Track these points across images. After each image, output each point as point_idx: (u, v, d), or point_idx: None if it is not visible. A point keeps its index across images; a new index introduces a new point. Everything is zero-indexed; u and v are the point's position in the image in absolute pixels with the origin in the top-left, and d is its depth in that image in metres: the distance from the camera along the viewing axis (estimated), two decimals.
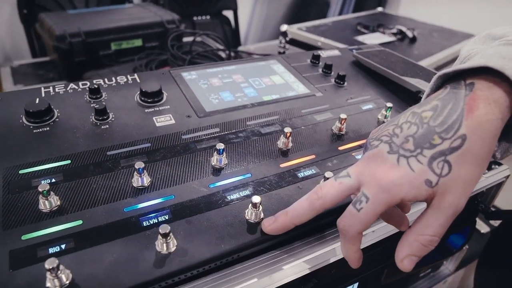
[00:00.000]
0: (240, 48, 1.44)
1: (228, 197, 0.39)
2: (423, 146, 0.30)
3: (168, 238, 0.32)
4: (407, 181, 0.30)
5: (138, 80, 0.54)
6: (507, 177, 0.57)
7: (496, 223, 0.87)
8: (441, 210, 0.30)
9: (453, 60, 1.25)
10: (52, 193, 0.35)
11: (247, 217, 0.37)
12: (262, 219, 0.37)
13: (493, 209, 0.59)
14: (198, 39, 1.31)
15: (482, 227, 0.85)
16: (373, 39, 1.23)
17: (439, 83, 0.35)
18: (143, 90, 0.50)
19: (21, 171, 0.38)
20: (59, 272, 0.29)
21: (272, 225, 0.36)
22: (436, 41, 1.30)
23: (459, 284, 0.83)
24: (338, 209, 0.39)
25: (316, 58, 0.66)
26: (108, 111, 0.47)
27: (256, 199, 0.35)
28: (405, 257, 0.31)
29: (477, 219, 0.88)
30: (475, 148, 0.29)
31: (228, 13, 1.91)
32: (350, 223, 0.32)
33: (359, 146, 0.49)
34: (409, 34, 1.28)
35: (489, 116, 0.29)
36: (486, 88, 0.30)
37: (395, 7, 2.16)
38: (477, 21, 1.70)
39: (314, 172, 0.44)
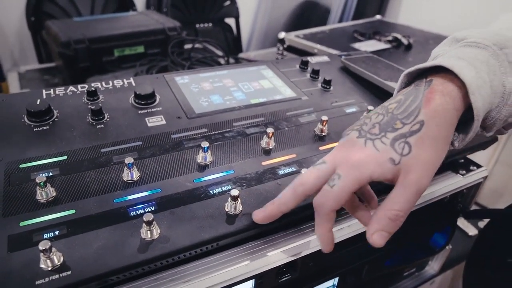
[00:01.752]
0: (241, 55, 1.48)
1: (211, 191, 0.42)
2: (387, 130, 0.34)
3: (152, 226, 0.35)
4: (373, 159, 0.34)
5: (134, 84, 0.58)
6: (485, 178, 0.60)
7: (483, 224, 0.89)
8: (405, 187, 0.33)
9: None
10: (48, 185, 0.38)
11: (226, 210, 0.40)
12: (241, 211, 0.40)
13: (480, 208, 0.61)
14: (200, 46, 1.35)
15: (470, 229, 0.87)
16: (368, 47, 1.26)
17: (405, 80, 0.40)
18: (137, 93, 0.53)
19: (21, 165, 0.42)
20: (51, 254, 0.32)
21: (261, 214, 0.39)
22: (431, 48, 1.31)
23: (448, 286, 0.85)
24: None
25: (305, 63, 0.69)
26: (104, 112, 0.51)
27: (234, 192, 0.38)
28: (375, 231, 0.34)
29: (467, 222, 0.90)
30: (432, 133, 0.33)
31: (230, 21, 1.96)
32: (324, 199, 0.35)
33: None
34: (404, 41, 1.31)
35: (444, 106, 0.34)
36: (441, 84, 0.35)
37: (394, 15, 2.19)
38: (476, 27, 1.73)
39: (294, 170, 0.46)
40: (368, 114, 0.38)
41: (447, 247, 0.67)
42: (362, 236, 0.47)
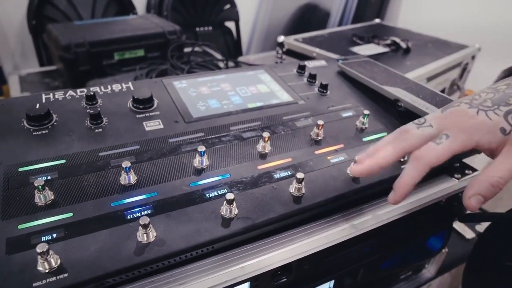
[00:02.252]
0: (240, 59, 1.49)
1: (207, 195, 0.42)
2: (500, 104, 0.36)
3: (148, 229, 0.36)
4: (485, 127, 0.36)
5: (132, 88, 0.59)
6: None
7: (481, 228, 0.89)
8: (511, 156, 0.34)
9: (445, 70, 1.28)
10: (46, 188, 0.39)
11: (222, 213, 0.40)
12: (236, 215, 0.40)
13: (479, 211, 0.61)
14: (199, 49, 1.36)
15: (467, 233, 0.88)
16: (367, 50, 1.26)
17: (502, 76, 0.43)
18: (135, 97, 0.54)
19: (20, 169, 0.43)
20: (48, 256, 0.32)
21: (359, 167, 0.39)
22: (430, 51, 1.33)
23: None
24: (313, 208, 0.43)
25: (302, 68, 0.70)
26: (102, 116, 0.51)
27: (229, 196, 0.39)
28: (473, 195, 0.35)
29: (464, 225, 0.91)
30: None
31: (230, 24, 1.97)
32: (426, 153, 0.36)
33: (335, 151, 0.52)
34: (403, 45, 1.32)
35: None
36: None
37: (394, 18, 2.20)
38: (475, 30, 1.74)
39: (289, 173, 0.47)
40: (473, 94, 0.39)
41: (443, 250, 0.68)
42: (358, 239, 0.47)
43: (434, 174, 0.55)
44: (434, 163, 0.36)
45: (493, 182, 0.34)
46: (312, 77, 0.67)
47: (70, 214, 0.38)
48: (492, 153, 0.36)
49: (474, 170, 0.61)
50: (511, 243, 0.59)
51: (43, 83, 1.22)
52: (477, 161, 0.65)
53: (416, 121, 0.40)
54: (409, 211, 0.51)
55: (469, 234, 0.86)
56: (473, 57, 1.43)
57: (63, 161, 0.44)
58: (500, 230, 0.62)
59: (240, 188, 0.44)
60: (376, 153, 0.39)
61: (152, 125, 0.52)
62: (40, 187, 0.38)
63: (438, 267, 0.72)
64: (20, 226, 0.36)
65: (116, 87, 0.58)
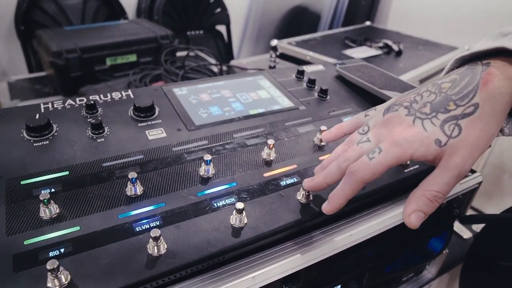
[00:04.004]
0: (233, 62, 1.49)
1: (215, 204, 0.42)
2: (439, 111, 0.34)
3: (159, 241, 0.35)
4: (418, 139, 0.34)
5: (132, 96, 0.58)
6: (480, 183, 0.61)
7: (478, 228, 0.90)
8: (447, 169, 0.33)
9: (437, 72, 1.30)
10: (52, 201, 0.38)
11: (232, 222, 0.40)
12: (246, 224, 0.40)
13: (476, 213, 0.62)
14: (192, 54, 1.36)
15: (464, 233, 0.89)
16: (360, 53, 1.28)
17: (454, 66, 0.39)
18: (136, 105, 0.53)
19: (22, 182, 0.41)
20: (59, 273, 0.32)
21: (309, 183, 0.41)
22: (421, 53, 1.35)
23: None
24: (318, 214, 0.42)
25: (301, 73, 0.70)
26: (104, 125, 0.50)
27: (239, 205, 0.39)
28: (412, 212, 0.34)
29: (461, 226, 0.92)
30: (485, 117, 0.33)
31: (221, 28, 1.97)
32: (359, 168, 0.35)
33: None
34: (395, 47, 1.33)
35: (502, 90, 0.33)
36: (501, 66, 0.34)
37: (383, 20, 2.23)
38: (463, 33, 1.77)
39: (295, 180, 0.47)
40: (419, 90, 0.38)
41: (444, 251, 0.68)
42: (364, 244, 0.47)
43: None
44: (368, 180, 0.35)
45: (430, 197, 0.33)
46: (312, 82, 0.67)
47: (77, 228, 0.37)
48: (431, 164, 0.35)
49: (473, 172, 0.62)
50: (506, 243, 0.60)
51: (33, 90, 1.19)
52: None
53: (360, 129, 0.40)
54: None
55: (466, 234, 0.87)
56: None
57: (67, 172, 0.43)
58: (496, 231, 0.63)
59: (248, 196, 0.44)
60: (324, 171, 0.40)
61: (155, 134, 0.51)
62: (45, 200, 0.37)
63: (439, 268, 0.72)
64: (26, 242, 0.36)
65: (116, 95, 0.57)
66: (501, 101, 0.33)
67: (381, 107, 0.42)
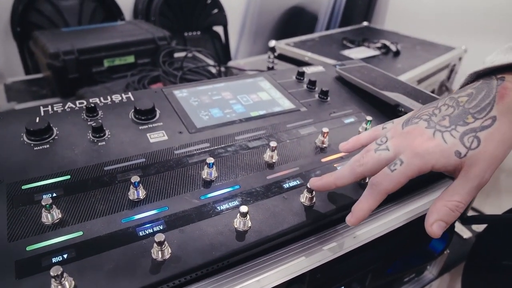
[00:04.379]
0: (231, 63, 1.48)
1: (218, 207, 0.42)
2: (458, 123, 0.35)
3: (163, 246, 0.35)
4: (439, 150, 0.35)
5: (132, 99, 0.58)
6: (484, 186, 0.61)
7: (477, 228, 0.90)
8: (467, 179, 0.34)
9: (435, 72, 1.30)
10: (54, 206, 0.38)
11: (236, 226, 0.40)
12: (250, 227, 0.40)
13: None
14: (190, 55, 1.35)
15: (464, 232, 0.89)
16: (358, 53, 1.28)
17: (469, 80, 0.41)
18: (137, 108, 0.53)
19: (23, 187, 0.41)
20: (63, 279, 0.31)
21: (318, 182, 0.41)
22: (419, 54, 1.35)
23: None
24: (326, 216, 0.42)
25: (301, 74, 0.70)
26: (105, 128, 0.50)
27: (244, 209, 0.38)
28: (435, 221, 0.35)
29: (461, 225, 0.92)
30: (503, 129, 0.34)
31: (218, 29, 1.96)
32: (382, 180, 0.36)
33: (341, 158, 0.52)
34: (393, 48, 1.33)
35: None
36: None
37: (381, 21, 2.23)
38: (460, 33, 1.77)
39: (298, 183, 0.47)
40: (437, 103, 0.39)
41: (445, 252, 0.68)
42: (367, 246, 0.47)
43: (436, 178, 0.55)
44: (390, 190, 0.36)
45: (451, 207, 0.35)
46: (312, 84, 0.67)
47: (80, 233, 0.37)
48: (451, 175, 0.36)
49: None
50: (508, 243, 0.61)
51: (30, 92, 1.18)
52: None
53: (378, 140, 0.40)
54: (415, 216, 0.51)
55: (466, 233, 0.88)
56: (460, 59, 1.46)
57: (68, 177, 0.43)
58: (498, 230, 0.64)
59: (251, 199, 0.43)
60: (336, 172, 0.41)
61: (156, 137, 0.51)
62: (47, 205, 0.37)
63: (440, 268, 0.72)
64: (28, 248, 0.35)
65: (116, 97, 0.57)
66: None
67: (398, 120, 0.42)
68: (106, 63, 1.16)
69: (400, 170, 0.36)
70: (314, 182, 0.42)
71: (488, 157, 0.34)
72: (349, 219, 0.39)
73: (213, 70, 1.19)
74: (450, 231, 0.65)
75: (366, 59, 1.23)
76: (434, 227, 0.35)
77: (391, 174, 0.36)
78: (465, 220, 0.61)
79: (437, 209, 0.35)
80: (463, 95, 0.38)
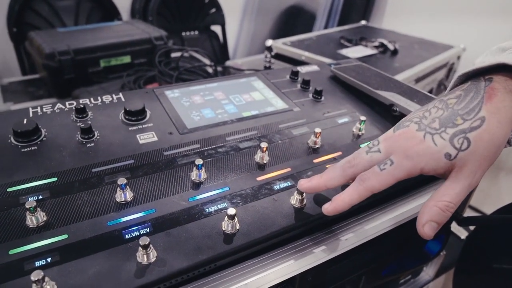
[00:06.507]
0: (228, 63, 1.48)
1: (206, 210, 0.41)
2: (447, 125, 0.35)
3: (148, 249, 0.34)
4: (429, 153, 0.35)
5: (123, 99, 0.57)
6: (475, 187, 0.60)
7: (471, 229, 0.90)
8: (458, 180, 0.34)
9: (433, 71, 1.29)
10: (38, 209, 0.37)
11: (223, 229, 0.39)
12: (238, 230, 0.39)
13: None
14: (186, 55, 1.35)
15: (462, 233, 0.88)
16: (355, 53, 1.27)
17: (458, 82, 0.41)
18: (127, 109, 0.52)
19: (9, 189, 0.40)
20: (44, 283, 0.31)
21: (307, 184, 0.41)
22: (416, 53, 1.34)
23: None
24: (312, 222, 0.42)
25: (295, 74, 0.69)
26: (94, 129, 0.49)
27: (231, 211, 0.38)
28: (426, 222, 0.35)
29: (458, 226, 0.91)
30: (492, 129, 0.34)
31: (216, 28, 1.95)
32: (370, 176, 0.37)
33: (334, 159, 0.51)
34: (390, 46, 1.33)
35: (506, 103, 0.35)
36: (503, 81, 0.36)
37: (379, 20, 2.22)
38: (457, 31, 1.76)
39: (289, 184, 0.46)
40: (427, 106, 0.39)
41: (441, 253, 0.68)
42: (360, 248, 0.47)
43: (432, 179, 0.55)
44: (377, 189, 0.37)
45: (442, 207, 0.35)
46: (306, 83, 0.66)
47: (65, 236, 0.36)
48: (442, 177, 0.37)
49: None
50: (497, 245, 0.60)
51: (27, 92, 1.18)
52: None
53: (370, 143, 0.40)
54: (410, 217, 0.50)
55: (463, 234, 0.87)
56: (458, 57, 1.45)
57: (55, 179, 0.42)
58: (487, 233, 0.63)
59: (240, 201, 0.43)
60: (326, 173, 0.40)
61: (146, 138, 0.50)
62: (31, 208, 0.36)
63: (436, 270, 0.72)
64: (11, 252, 0.35)
65: (107, 98, 0.56)
66: (506, 113, 0.35)
67: (384, 136, 0.42)
68: (102, 64, 1.16)
69: (389, 170, 0.36)
70: (303, 183, 0.41)
71: (478, 157, 0.34)
72: (326, 207, 0.39)
73: (210, 70, 1.18)
74: (446, 232, 0.65)
75: (364, 58, 1.22)
76: (426, 228, 0.35)
77: (380, 172, 0.36)
78: (461, 221, 0.60)
79: (428, 210, 0.35)
80: (452, 97, 0.38)
